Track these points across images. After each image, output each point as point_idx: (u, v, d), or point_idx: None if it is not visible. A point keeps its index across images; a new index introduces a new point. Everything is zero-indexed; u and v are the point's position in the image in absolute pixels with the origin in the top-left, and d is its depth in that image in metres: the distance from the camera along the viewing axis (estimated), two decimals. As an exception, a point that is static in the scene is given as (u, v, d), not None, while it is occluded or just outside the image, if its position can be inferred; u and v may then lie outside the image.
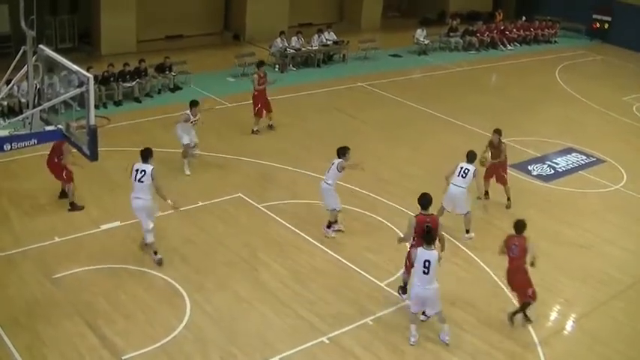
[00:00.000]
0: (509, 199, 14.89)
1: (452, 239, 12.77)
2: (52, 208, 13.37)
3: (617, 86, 25.29)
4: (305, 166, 15.91)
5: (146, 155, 11.59)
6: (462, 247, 13.12)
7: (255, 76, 17.84)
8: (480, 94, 23.14)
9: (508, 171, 15.21)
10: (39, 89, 9.58)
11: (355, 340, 10.38)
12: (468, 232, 13.36)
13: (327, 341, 10.32)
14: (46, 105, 9.23)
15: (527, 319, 11.02)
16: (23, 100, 16.11)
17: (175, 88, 20.80)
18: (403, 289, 11.46)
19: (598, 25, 32.70)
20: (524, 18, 31.60)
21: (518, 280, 10.76)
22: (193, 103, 15.20)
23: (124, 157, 13.97)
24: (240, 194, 14.48)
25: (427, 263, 9.95)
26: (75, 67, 8.90)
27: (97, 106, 14.28)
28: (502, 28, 30.40)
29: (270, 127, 18.19)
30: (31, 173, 14.30)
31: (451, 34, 29.01)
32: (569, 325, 11.61)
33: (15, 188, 13.99)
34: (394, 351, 10.24)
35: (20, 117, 9.56)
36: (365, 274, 12.11)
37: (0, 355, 9.48)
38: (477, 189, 13.68)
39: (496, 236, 13.41)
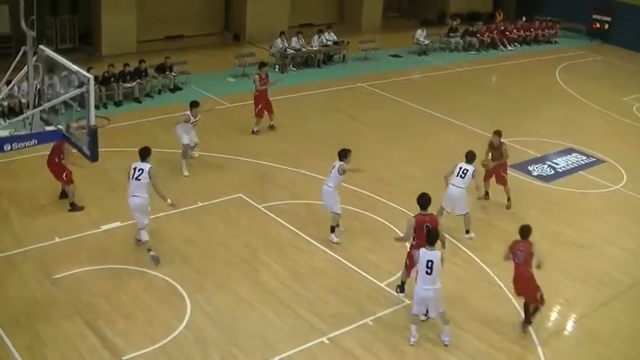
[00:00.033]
0: (509, 199, 14.89)
1: (452, 240, 12.77)
2: (52, 209, 13.38)
3: (618, 86, 25.28)
4: (305, 166, 15.91)
5: (144, 154, 11.77)
6: (462, 248, 13.12)
7: (257, 76, 17.85)
8: (480, 95, 23.14)
9: (508, 171, 15.19)
10: (39, 90, 9.60)
11: (355, 340, 10.39)
12: (467, 232, 13.35)
13: (327, 341, 10.32)
14: (47, 105, 9.24)
15: (529, 320, 11.00)
16: (23, 101, 16.12)
17: (176, 89, 20.80)
18: (401, 288, 11.49)
19: (598, 25, 32.69)
20: (524, 18, 31.59)
21: (526, 285, 10.61)
22: (194, 104, 15.20)
23: (124, 158, 13.97)
24: (240, 194, 14.49)
25: (430, 263, 9.94)
26: (75, 68, 8.91)
27: (97, 107, 14.26)
28: (502, 28, 30.39)
29: (271, 127, 18.19)
30: (32, 173, 14.31)
31: (451, 34, 29.00)
32: (569, 325, 11.61)
33: (15, 188, 14.00)
34: (394, 351, 10.24)
35: (20, 117, 9.56)
36: (365, 274, 12.11)
37: (0, 355, 9.49)
38: (476, 190, 13.67)
39: (496, 236, 13.49)
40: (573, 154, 18.37)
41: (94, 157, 8.99)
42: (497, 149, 14.65)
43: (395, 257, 12.23)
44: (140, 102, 19.64)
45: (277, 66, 23.68)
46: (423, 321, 10.70)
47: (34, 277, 11.21)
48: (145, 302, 10.85)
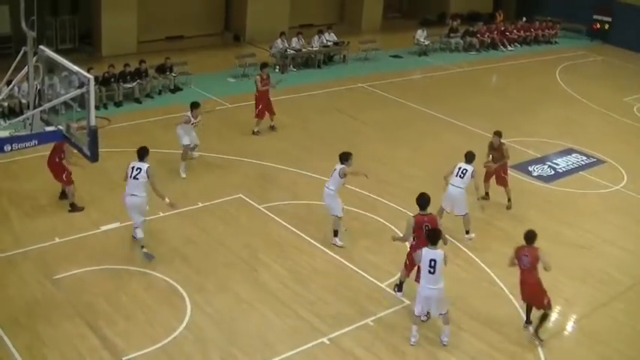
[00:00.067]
0: (509, 200, 14.88)
1: (452, 240, 12.74)
2: (52, 209, 13.38)
3: (618, 87, 25.29)
4: (305, 166, 15.91)
5: (142, 154, 11.85)
6: (463, 248, 13.12)
7: (258, 77, 17.83)
8: (480, 95, 23.15)
9: (508, 172, 15.19)
10: (39, 90, 9.59)
11: (356, 340, 10.39)
12: (467, 232, 13.34)
13: (328, 342, 10.32)
14: (47, 106, 9.24)
15: (529, 321, 11.00)
16: (24, 101, 16.10)
17: (176, 89, 20.80)
18: (399, 287, 11.50)
19: (598, 25, 32.70)
20: (524, 19, 31.60)
21: (532, 291, 10.51)
22: (194, 105, 15.21)
23: (125, 158, 13.90)
24: (240, 195, 14.49)
25: (433, 262, 9.93)
26: (75, 68, 8.92)
27: (97, 107, 14.28)
28: (502, 28, 30.39)
29: (272, 128, 18.19)
30: (32, 174, 14.31)
31: (451, 34, 29.01)
32: (569, 325, 11.62)
33: (15, 189, 14.01)
34: (395, 352, 10.24)
35: (21, 118, 9.55)
36: (365, 274, 12.11)
37: (0, 355, 9.49)
38: (475, 190, 13.66)
39: (496, 237, 13.50)
40: (573, 155, 18.37)
41: (94, 157, 8.99)
42: (497, 150, 14.65)
43: (395, 257, 12.22)
44: (140, 102, 19.65)
45: (277, 66, 23.68)
46: (423, 321, 10.71)
47: (35, 278, 11.22)
48: (145, 303, 10.85)
